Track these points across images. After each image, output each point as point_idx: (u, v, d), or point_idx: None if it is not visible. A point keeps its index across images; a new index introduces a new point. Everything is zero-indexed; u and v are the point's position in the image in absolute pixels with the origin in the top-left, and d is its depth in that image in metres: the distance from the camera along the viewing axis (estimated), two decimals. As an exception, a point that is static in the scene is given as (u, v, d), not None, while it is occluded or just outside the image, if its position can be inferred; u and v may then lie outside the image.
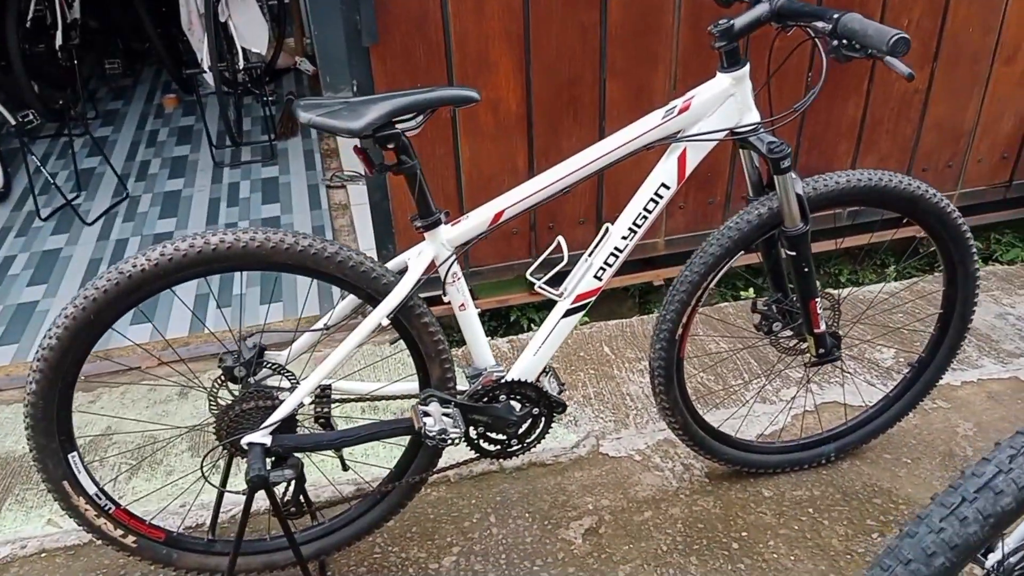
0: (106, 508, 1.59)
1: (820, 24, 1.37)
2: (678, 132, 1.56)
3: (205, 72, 3.96)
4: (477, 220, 1.53)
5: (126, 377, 2.58)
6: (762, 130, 1.56)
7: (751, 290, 3.09)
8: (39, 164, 3.69)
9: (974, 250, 1.83)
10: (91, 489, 1.57)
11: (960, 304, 1.91)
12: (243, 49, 3.96)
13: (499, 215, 1.53)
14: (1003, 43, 2.86)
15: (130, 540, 1.64)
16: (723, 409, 2.27)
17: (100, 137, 4.43)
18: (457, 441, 1.59)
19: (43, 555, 1.92)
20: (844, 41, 1.33)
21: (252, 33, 3.99)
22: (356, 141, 1.42)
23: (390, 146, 1.41)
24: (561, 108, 2.66)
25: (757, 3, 1.49)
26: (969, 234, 1.81)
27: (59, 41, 4.25)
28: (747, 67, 1.52)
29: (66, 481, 1.53)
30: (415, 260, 1.52)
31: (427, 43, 2.42)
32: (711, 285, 1.73)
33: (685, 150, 1.57)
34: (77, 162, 3.99)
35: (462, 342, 1.66)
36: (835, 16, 1.35)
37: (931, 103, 2.94)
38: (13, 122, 3.73)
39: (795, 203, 1.60)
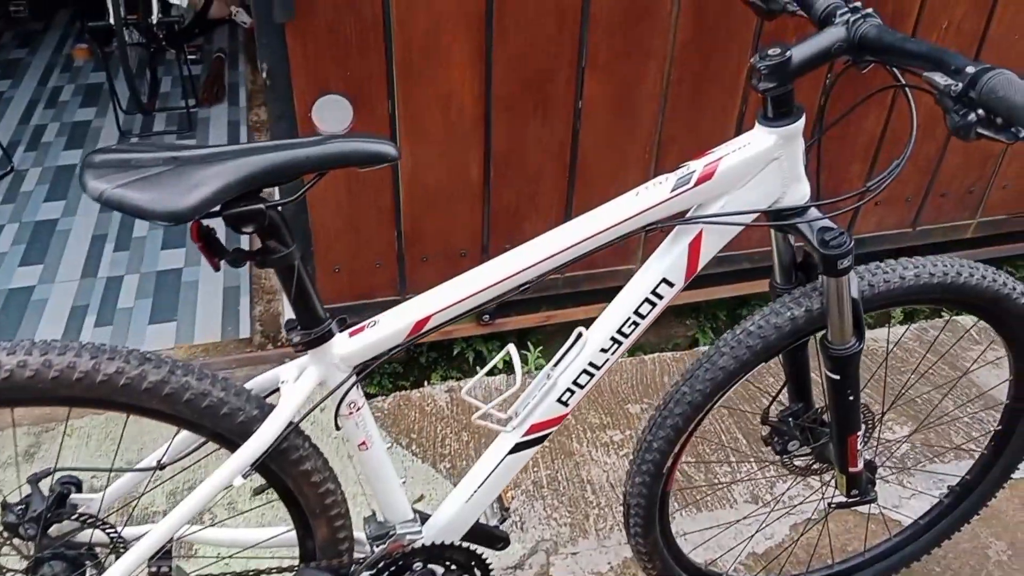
0: None
1: (939, 79, 0.86)
2: (690, 209, 1.07)
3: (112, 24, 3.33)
4: (389, 329, 1.02)
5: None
6: (814, 212, 1.07)
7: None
8: None
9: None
10: None
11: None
12: (160, -3, 3.35)
13: (422, 323, 1.02)
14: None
15: None
16: (704, 512, 1.82)
17: (-8, 91, 3.79)
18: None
19: None
20: (980, 113, 0.82)
21: (172, -23, 3.37)
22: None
23: (248, 229, 0.90)
24: (528, 107, 2.15)
25: (825, 25, 0.99)
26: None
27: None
28: (802, 120, 1.02)
29: None
30: (290, 386, 1.01)
31: (360, 20, 1.90)
32: (715, 406, 1.26)
33: (701, 234, 1.08)
34: (-45, 123, 3.37)
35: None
36: (971, 71, 0.82)
37: (964, 121, 2.50)
38: None
39: (849, 313, 1.12)
